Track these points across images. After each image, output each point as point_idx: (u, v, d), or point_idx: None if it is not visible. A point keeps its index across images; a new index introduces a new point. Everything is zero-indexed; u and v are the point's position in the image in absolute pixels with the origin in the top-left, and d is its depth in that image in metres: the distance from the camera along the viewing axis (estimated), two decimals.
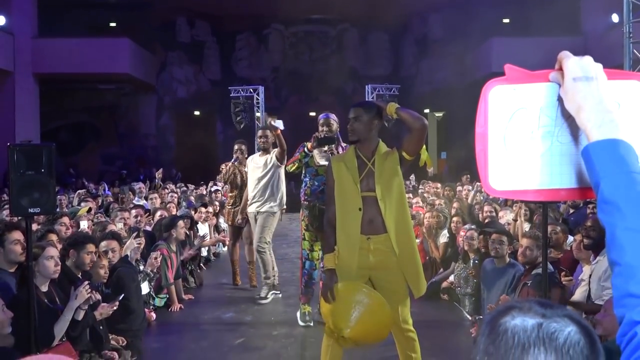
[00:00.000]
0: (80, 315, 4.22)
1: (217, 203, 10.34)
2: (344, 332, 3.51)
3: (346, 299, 3.54)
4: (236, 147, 7.54)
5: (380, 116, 3.75)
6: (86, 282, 4.22)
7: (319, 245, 5.72)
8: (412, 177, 14.32)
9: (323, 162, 5.56)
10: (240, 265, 7.61)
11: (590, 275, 4.59)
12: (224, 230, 9.95)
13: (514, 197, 1.70)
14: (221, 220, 10.12)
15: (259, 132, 7.01)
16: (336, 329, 3.56)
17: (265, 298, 6.67)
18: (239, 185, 7.39)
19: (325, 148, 5.54)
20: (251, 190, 6.81)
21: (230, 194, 7.59)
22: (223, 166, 7.93)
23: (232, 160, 7.48)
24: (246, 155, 7.45)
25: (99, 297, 4.38)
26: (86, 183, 14.44)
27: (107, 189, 13.08)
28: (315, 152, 5.63)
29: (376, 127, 3.73)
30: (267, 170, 6.68)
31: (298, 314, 5.84)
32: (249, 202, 6.86)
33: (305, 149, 5.63)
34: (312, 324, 5.69)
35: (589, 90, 1.18)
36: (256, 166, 6.80)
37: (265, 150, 6.81)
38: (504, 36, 18.69)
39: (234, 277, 7.65)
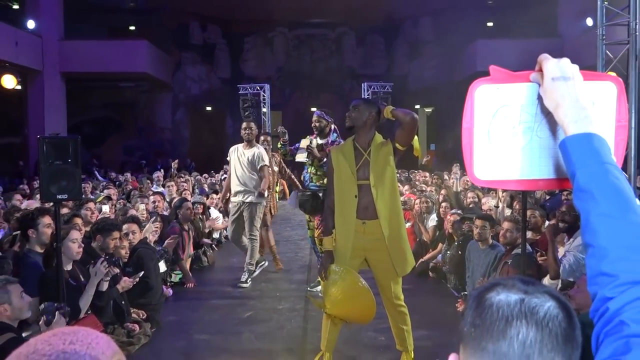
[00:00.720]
0: (104, 287, 4.27)
1: None
2: (326, 308, 3.64)
3: (335, 281, 3.58)
4: (262, 138, 7.11)
5: (379, 113, 3.74)
6: (103, 259, 4.24)
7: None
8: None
9: (298, 158, 6.02)
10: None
11: (563, 255, 4.60)
12: None
13: (497, 186, 1.71)
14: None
15: (244, 124, 6.59)
16: (324, 304, 3.67)
17: (246, 282, 6.40)
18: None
19: (305, 147, 5.76)
20: (235, 180, 6.46)
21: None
22: None
23: None
24: (271, 146, 7.10)
25: (117, 270, 4.40)
26: (97, 174, 14.41)
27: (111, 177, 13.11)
28: (300, 148, 5.99)
29: (372, 120, 3.71)
30: (253, 167, 6.39)
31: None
32: (233, 193, 6.51)
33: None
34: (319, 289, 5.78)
35: (567, 89, 1.17)
36: (241, 159, 6.44)
37: (249, 142, 6.47)
38: (488, 38, 18.60)
39: (275, 261, 7.24)
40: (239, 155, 6.49)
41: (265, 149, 6.92)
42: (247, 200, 6.41)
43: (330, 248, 3.69)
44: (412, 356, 3.86)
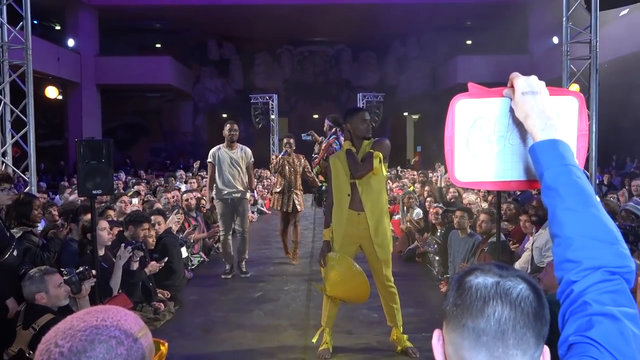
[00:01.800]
0: (135, 267, 4.27)
1: None
2: (327, 290, 3.66)
3: (333, 267, 3.60)
4: (285, 140, 6.64)
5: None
6: (129, 246, 4.23)
7: None
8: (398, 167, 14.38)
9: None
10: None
11: (532, 244, 4.58)
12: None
13: (474, 187, 1.71)
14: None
15: (228, 126, 5.96)
16: (324, 287, 3.68)
17: (247, 273, 6.14)
18: (286, 175, 6.52)
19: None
20: (228, 180, 5.90)
21: (279, 182, 6.63)
22: (273, 157, 6.75)
23: (282, 153, 6.59)
24: (294, 148, 6.58)
25: (141, 253, 4.38)
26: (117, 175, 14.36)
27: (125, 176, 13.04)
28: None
29: None
30: (242, 167, 5.96)
31: None
32: (226, 192, 5.93)
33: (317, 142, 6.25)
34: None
35: (535, 101, 1.17)
36: (230, 159, 5.92)
37: (233, 142, 5.95)
38: (467, 54, 18.54)
39: (286, 252, 6.90)
40: (226, 157, 5.93)
41: (287, 151, 6.51)
42: (240, 197, 5.99)
43: (327, 239, 3.71)
44: (401, 330, 3.85)
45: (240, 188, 5.98)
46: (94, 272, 3.50)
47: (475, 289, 0.84)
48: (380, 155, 3.56)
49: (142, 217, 4.89)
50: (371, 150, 3.60)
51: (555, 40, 15.35)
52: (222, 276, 6.07)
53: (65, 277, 3.26)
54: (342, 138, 5.83)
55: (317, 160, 6.06)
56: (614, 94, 9.46)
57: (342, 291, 3.65)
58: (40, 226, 4.98)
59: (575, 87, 5.85)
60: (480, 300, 0.82)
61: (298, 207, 6.57)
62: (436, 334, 0.90)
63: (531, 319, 0.82)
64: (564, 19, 4.89)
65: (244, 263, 6.19)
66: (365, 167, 3.57)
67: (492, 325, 0.81)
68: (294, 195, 6.54)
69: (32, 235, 3.98)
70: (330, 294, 3.67)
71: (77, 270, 3.38)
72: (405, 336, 3.84)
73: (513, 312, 0.81)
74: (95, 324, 0.84)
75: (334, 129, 5.96)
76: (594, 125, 4.60)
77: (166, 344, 0.97)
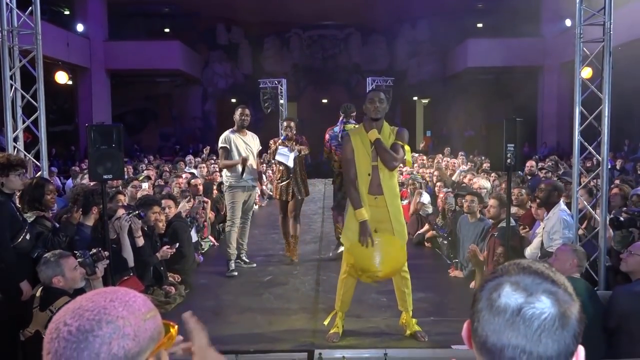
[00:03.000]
0: (140, 243, 4.31)
1: None
2: (378, 274, 3.58)
3: (381, 247, 3.57)
4: (285, 123, 6.16)
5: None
6: (123, 214, 4.22)
7: None
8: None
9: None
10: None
11: (543, 228, 4.55)
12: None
13: None
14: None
15: (239, 110, 5.67)
16: (370, 271, 3.59)
17: (251, 263, 5.88)
18: None
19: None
20: (245, 168, 5.59)
21: (278, 169, 6.11)
22: (272, 142, 6.16)
23: (282, 137, 6.07)
24: (295, 132, 5.99)
25: (139, 221, 4.35)
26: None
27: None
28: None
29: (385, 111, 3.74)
30: (255, 153, 5.73)
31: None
32: (241, 176, 5.56)
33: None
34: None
35: None
36: (248, 146, 5.66)
37: (243, 128, 5.68)
38: (478, 37, 18.27)
39: (286, 248, 6.26)
40: (241, 142, 5.62)
41: (287, 135, 5.96)
42: (253, 185, 5.76)
43: (365, 218, 3.57)
44: (411, 315, 3.86)
45: (254, 176, 5.73)
46: (106, 253, 3.54)
47: (495, 312, 0.81)
48: (409, 148, 3.65)
49: (152, 200, 4.92)
50: (399, 142, 3.63)
51: (568, 22, 15.07)
52: (227, 274, 5.54)
53: (79, 260, 3.31)
54: (340, 126, 5.90)
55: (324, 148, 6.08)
56: (628, 78, 9.29)
57: (392, 267, 3.62)
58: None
59: (588, 71, 5.73)
60: (499, 325, 0.80)
61: (299, 195, 5.97)
62: (466, 326, 0.88)
63: (549, 348, 0.79)
64: (578, 0, 4.79)
65: (244, 255, 5.92)
66: (398, 159, 3.61)
67: (505, 356, 0.80)
68: (294, 183, 5.94)
69: (45, 220, 4.01)
70: (383, 276, 3.62)
71: (90, 252, 3.43)
72: (414, 320, 3.85)
73: (529, 345, 0.78)
74: (104, 304, 0.85)
75: (341, 117, 6.04)
76: (606, 110, 4.52)
77: (176, 327, 0.97)
